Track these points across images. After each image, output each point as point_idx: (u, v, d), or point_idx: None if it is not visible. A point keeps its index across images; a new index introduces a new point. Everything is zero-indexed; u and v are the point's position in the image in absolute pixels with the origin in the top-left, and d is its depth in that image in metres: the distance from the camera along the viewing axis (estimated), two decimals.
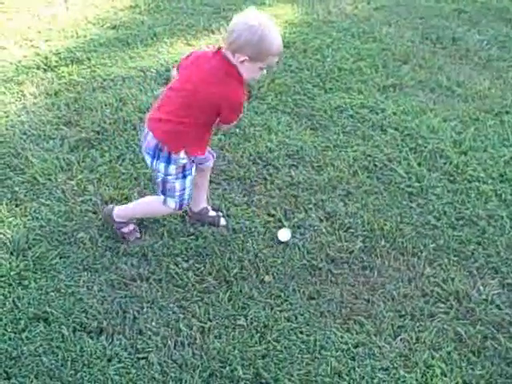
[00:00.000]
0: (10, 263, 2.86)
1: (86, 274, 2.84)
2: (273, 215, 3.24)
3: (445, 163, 3.68)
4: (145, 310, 2.69)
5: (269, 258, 2.98)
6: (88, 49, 4.71)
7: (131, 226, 3.02)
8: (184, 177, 2.76)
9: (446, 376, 2.50)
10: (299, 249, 3.03)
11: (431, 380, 2.48)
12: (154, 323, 2.64)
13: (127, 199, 3.26)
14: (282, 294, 2.81)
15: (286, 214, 3.25)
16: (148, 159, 2.77)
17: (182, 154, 2.69)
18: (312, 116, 4.06)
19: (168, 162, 2.70)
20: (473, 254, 3.07)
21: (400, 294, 2.83)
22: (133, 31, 5.03)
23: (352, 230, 3.17)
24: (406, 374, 2.49)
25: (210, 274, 2.88)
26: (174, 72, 2.82)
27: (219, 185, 3.42)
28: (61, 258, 2.92)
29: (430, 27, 5.38)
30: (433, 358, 2.56)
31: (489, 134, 3.97)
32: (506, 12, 5.74)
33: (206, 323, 2.65)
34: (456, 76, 4.63)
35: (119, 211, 2.99)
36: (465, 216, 3.29)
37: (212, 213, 3.17)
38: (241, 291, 2.80)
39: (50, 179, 3.38)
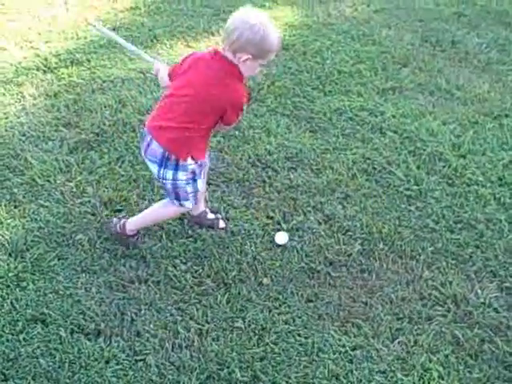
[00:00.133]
0: (8, 264, 2.87)
1: (84, 275, 2.85)
2: (271, 218, 3.24)
3: (444, 166, 3.68)
4: (143, 312, 2.70)
5: (267, 260, 2.98)
6: (88, 50, 4.71)
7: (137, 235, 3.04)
8: (194, 181, 2.75)
9: (443, 379, 2.50)
10: (298, 251, 3.04)
11: (429, 383, 2.48)
12: (151, 325, 2.64)
13: (126, 201, 3.26)
14: (280, 297, 2.81)
15: (285, 217, 3.25)
16: (154, 168, 2.73)
17: (190, 160, 2.68)
18: (311, 119, 4.07)
19: (176, 169, 2.68)
20: (471, 257, 3.07)
21: (398, 297, 2.83)
22: (133, 33, 5.04)
23: (350, 233, 3.17)
24: (403, 377, 2.50)
25: (208, 276, 2.88)
26: (165, 79, 2.78)
27: (218, 187, 3.42)
28: (59, 259, 2.92)
29: (429, 30, 5.38)
30: (430, 361, 2.56)
31: (488, 137, 3.97)
32: (505, 15, 5.75)
33: (203, 325, 2.65)
34: (455, 79, 4.63)
35: (130, 225, 2.96)
36: (463, 219, 3.29)
37: (211, 215, 3.17)
38: (239, 294, 2.81)
39: (48, 181, 3.39)
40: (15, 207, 3.21)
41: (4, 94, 4.14)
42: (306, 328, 2.67)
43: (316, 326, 2.68)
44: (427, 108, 4.26)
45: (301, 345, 2.60)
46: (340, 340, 2.63)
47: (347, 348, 2.60)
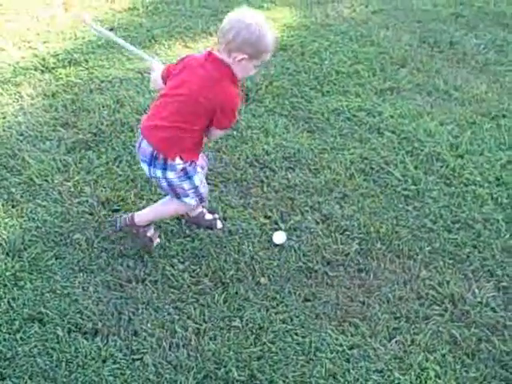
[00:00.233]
0: (5, 264, 2.86)
1: (81, 275, 2.85)
2: (269, 217, 3.24)
3: (441, 166, 3.68)
4: (140, 311, 2.70)
5: (265, 260, 2.98)
6: (86, 50, 4.71)
7: (152, 229, 2.98)
8: (189, 178, 2.74)
9: (440, 378, 2.50)
10: (295, 251, 3.04)
11: (425, 382, 2.48)
12: (149, 324, 2.64)
13: (123, 201, 3.26)
14: (278, 296, 2.81)
15: (283, 217, 3.25)
16: (145, 167, 2.75)
17: (178, 160, 2.67)
18: (309, 119, 4.07)
19: (164, 168, 2.68)
20: (468, 257, 3.07)
21: (395, 297, 2.83)
22: (131, 33, 5.04)
23: (348, 233, 3.17)
24: (400, 376, 2.50)
25: (205, 275, 2.88)
26: (159, 81, 2.79)
27: (216, 187, 3.42)
28: (56, 258, 2.92)
29: (427, 31, 5.39)
30: (427, 361, 2.56)
31: (485, 137, 3.98)
32: (503, 16, 5.75)
33: (201, 325, 2.65)
34: (453, 80, 4.64)
35: (140, 218, 2.94)
36: (461, 219, 3.30)
37: (208, 216, 3.17)
38: (236, 293, 2.81)
39: (46, 180, 3.39)
40: (13, 207, 3.21)
41: (2, 94, 4.14)
42: (303, 327, 2.67)
43: (313, 326, 2.68)
44: (425, 108, 4.27)
45: (298, 344, 2.60)
46: (337, 339, 2.63)
47: (344, 347, 2.60)
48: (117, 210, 3.21)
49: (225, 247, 3.04)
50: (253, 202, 3.34)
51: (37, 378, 2.40)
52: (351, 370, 2.51)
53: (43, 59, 4.54)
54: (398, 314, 2.75)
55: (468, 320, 2.74)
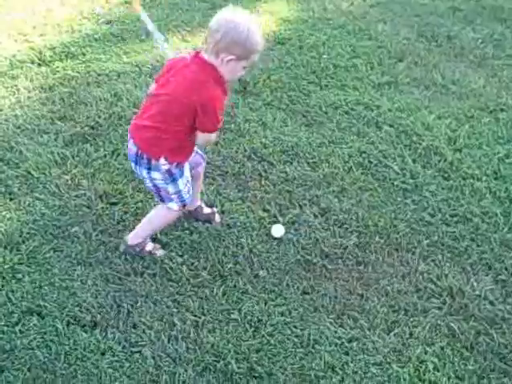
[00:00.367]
0: (3, 257, 2.86)
1: (79, 268, 2.84)
2: (267, 211, 3.24)
3: (439, 160, 3.68)
4: (139, 304, 2.69)
5: (263, 253, 2.98)
6: (83, 44, 4.69)
7: (150, 244, 2.94)
8: (173, 180, 2.69)
9: (438, 371, 2.51)
10: (293, 244, 3.04)
11: (424, 375, 2.49)
12: (147, 317, 2.64)
13: (121, 194, 3.26)
14: (276, 289, 2.81)
15: (281, 210, 3.25)
16: (133, 166, 2.74)
17: (163, 161, 2.62)
18: (307, 112, 4.06)
19: (149, 168, 2.65)
20: (466, 250, 3.08)
21: (394, 290, 2.84)
22: (128, 26, 5.01)
23: (346, 226, 3.18)
24: (399, 369, 2.50)
25: (204, 268, 2.88)
26: (153, 85, 2.76)
27: (214, 180, 3.42)
28: (55, 251, 2.91)
29: (425, 25, 5.38)
30: (426, 353, 2.57)
31: (483, 131, 3.98)
32: (500, 11, 5.75)
33: (200, 317, 2.65)
34: (451, 74, 4.63)
35: (132, 237, 2.89)
36: (459, 213, 3.30)
37: (207, 210, 3.16)
38: (235, 286, 2.81)
39: (44, 173, 3.37)
40: (10, 200, 3.20)
41: None
42: (302, 320, 2.68)
43: (312, 318, 2.69)
44: (423, 102, 4.27)
45: (297, 336, 2.61)
46: (336, 332, 2.63)
47: (343, 340, 2.60)
48: (114, 203, 3.20)
49: (223, 240, 3.03)
50: (251, 196, 3.33)
51: (36, 371, 2.40)
52: (350, 363, 2.51)
53: (40, 52, 4.52)
54: (397, 307, 2.76)
55: (466, 313, 2.75)
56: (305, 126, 3.94)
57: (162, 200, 2.78)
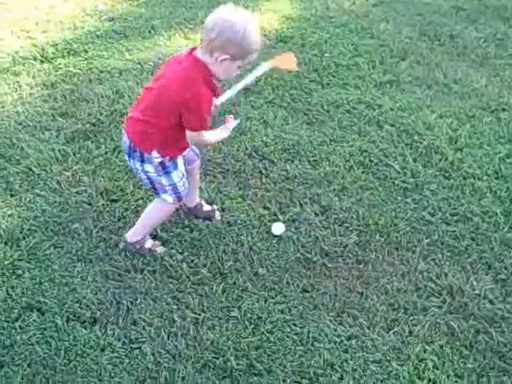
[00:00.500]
0: (4, 253, 2.87)
1: (80, 264, 2.85)
2: (268, 209, 3.24)
3: (440, 159, 3.68)
4: (139, 300, 2.70)
5: (263, 250, 2.98)
6: (85, 41, 4.69)
7: (150, 241, 2.95)
8: (167, 173, 2.68)
9: (438, 369, 2.51)
10: (294, 242, 3.04)
11: (423, 373, 2.49)
12: (147, 314, 2.64)
13: (122, 191, 3.26)
14: (276, 287, 2.81)
15: (281, 208, 3.25)
16: (127, 159, 2.74)
17: (155, 154, 2.61)
18: (308, 111, 4.06)
19: (142, 161, 2.64)
20: (466, 249, 3.08)
21: (393, 288, 2.84)
22: (130, 23, 5.01)
23: (347, 225, 3.18)
24: (398, 367, 2.51)
25: (204, 265, 2.89)
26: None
27: (215, 178, 3.42)
28: (55, 248, 2.92)
29: (428, 24, 5.37)
30: (425, 352, 2.57)
31: (485, 131, 3.98)
32: (503, 10, 5.73)
33: (199, 314, 2.66)
34: (453, 73, 4.63)
35: (131, 234, 2.90)
36: (459, 212, 3.30)
37: (207, 207, 3.16)
38: (235, 283, 2.81)
39: (45, 170, 3.38)
40: (11, 196, 3.21)
41: (0, 84, 4.12)
42: (301, 318, 2.68)
43: (312, 316, 2.69)
44: (425, 101, 4.26)
45: (296, 334, 2.61)
46: (335, 330, 2.64)
47: (342, 338, 2.61)
48: (115, 200, 3.21)
49: (223, 238, 3.04)
50: (252, 194, 3.33)
51: (35, 366, 2.41)
52: (349, 361, 2.52)
53: (42, 49, 4.53)
54: (396, 306, 2.76)
55: (466, 312, 2.75)
56: (306, 125, 3.94)
57: (157, 192, 2.77)
